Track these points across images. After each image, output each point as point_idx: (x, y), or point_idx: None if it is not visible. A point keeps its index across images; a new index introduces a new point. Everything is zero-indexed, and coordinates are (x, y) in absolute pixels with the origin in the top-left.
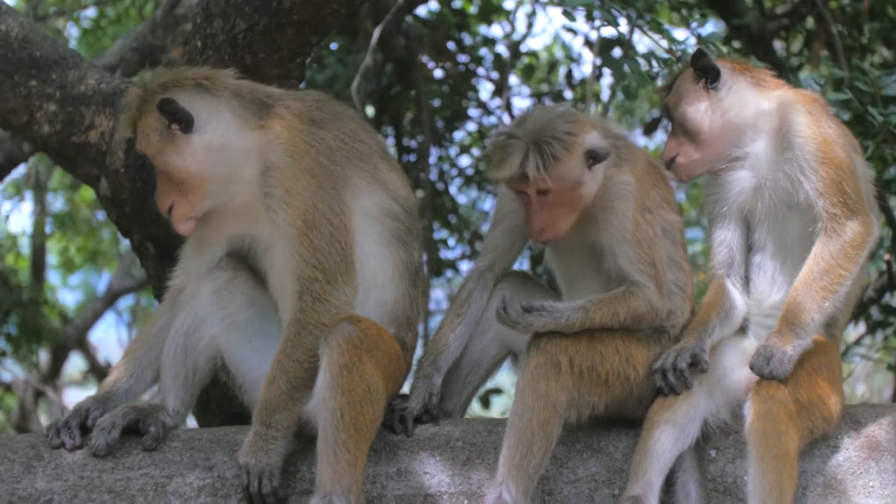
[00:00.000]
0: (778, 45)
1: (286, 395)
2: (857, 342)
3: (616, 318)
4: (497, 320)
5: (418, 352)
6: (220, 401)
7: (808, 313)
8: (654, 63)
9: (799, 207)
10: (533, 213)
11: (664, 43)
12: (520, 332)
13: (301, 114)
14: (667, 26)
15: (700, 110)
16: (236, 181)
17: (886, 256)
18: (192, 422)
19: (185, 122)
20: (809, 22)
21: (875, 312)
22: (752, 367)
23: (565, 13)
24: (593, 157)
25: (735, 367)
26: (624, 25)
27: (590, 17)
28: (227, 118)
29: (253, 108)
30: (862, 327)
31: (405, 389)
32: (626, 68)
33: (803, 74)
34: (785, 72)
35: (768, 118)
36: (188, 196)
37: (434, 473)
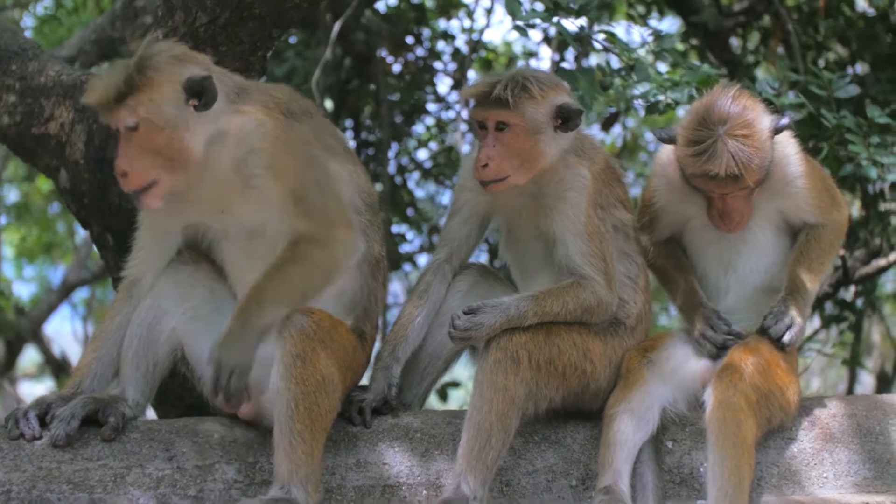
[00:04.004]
0: (734, 42)
1: (270, 301)
2: (812, 337)
3: (565, 309)
4: (453, 342)
5: (378, 345)
6: (178, 392)
7: (810, 293)
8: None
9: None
10: (483, 147)
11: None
12: (478, 338)
13: (280, 104)
14: (623, 23)
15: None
16: (216, 164)
17: (841, 251)
18: (150, 413)
19: (206, 101)
20: (766, 20)
21: (829, 307)
22: (767, 329)
23: (517, 28)
24: (562, 117)
25: (689, 358)
26: (581, 25)
27: (546, 20)
28: (221, 102)
29: (236, 95)
30: (816, 322)
31: (365, 381)
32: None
33: (760, 75)
34: (741, 69)
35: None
36: (174, 174)
37: (393, 464)
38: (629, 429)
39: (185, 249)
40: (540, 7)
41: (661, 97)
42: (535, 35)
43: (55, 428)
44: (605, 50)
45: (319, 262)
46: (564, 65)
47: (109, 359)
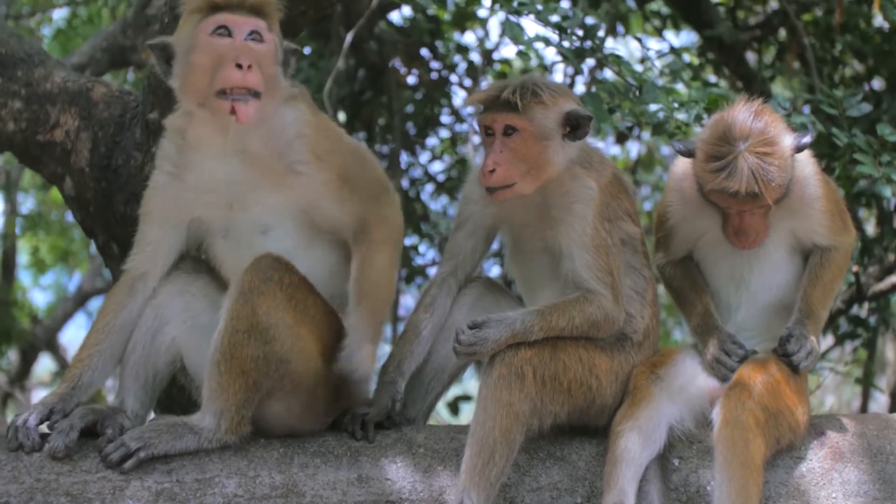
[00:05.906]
0: (750, 56)
1: (369, 305)
2: (825, 355)
3: (572, 323)
4: (457, 357)
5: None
6: (184, 405)
7: (824, 317)
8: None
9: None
10: (491, 153)
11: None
12: (483, 353)
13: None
14: (640, 35)
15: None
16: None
17: (855, 268)
18: None
19: (287, 65)
20: (782, 34)
21: (843, 324)
22: (786, 351)
23: (519, 54)
24: (571, 125)
25: (697, 374)
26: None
27: (547, 42)
28: None
29: None
30: (830, 340)
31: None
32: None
33: (776, 90)
34: (757, 83)
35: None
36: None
37: (396, 480)
38: (636, 446)
39: (188, 257)
40: (543, 31)
41: (670, 118)
42: (550, 50)
43: (54, 440)
44: (615, 73)
45: (390, 237)
46: (579, 78)
47: (111, 353)
